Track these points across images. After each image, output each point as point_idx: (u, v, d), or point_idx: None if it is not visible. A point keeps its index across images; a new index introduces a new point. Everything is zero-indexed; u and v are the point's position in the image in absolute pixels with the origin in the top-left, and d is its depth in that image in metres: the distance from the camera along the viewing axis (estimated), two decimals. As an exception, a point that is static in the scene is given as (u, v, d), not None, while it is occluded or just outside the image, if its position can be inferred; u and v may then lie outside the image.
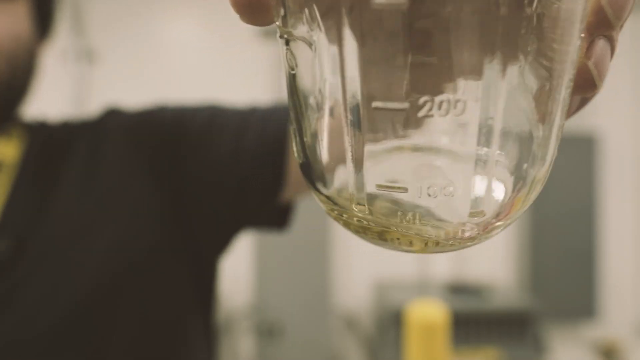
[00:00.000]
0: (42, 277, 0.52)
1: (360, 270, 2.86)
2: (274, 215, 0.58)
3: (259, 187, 0.55)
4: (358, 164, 0.18)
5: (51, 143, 0.59)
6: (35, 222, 0.54)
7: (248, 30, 2.76)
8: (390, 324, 2.34)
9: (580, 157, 2.85)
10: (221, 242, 0.60)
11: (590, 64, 0.19)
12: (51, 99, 2.41)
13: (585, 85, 0.20)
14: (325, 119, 0.18)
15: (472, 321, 2.36)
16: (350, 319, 2.86)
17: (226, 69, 2.83)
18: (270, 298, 2.55)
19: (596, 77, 0.20)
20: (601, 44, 0.20)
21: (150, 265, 0.55)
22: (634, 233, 3.00)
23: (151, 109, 0.60)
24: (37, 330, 0.50)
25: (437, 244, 0.19)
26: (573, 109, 0.22)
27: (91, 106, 2.73)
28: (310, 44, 0.18)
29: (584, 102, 0.23)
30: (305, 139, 0.20)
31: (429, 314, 1.76)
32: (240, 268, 2.60)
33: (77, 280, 0.52)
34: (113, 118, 0.60)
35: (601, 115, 2.90)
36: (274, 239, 2.44)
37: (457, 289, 2.56)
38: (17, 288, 0.51)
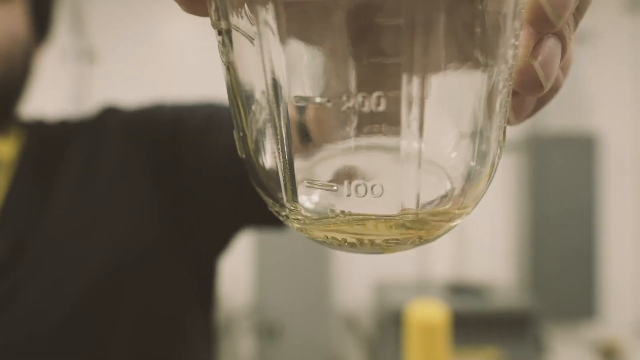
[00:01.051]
0: (42, 276, 0.51)
1: (360, 270, 2.86)
2: (274, 215, 0.58)
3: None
4: (289, 162, 0.18)
5: (49, 141, 0.59)
6: (34, 221, 0.54)
7: (248, 30, 2.76)
8: (390, 324, 2.34)
9: (580, 157, 2.85)
10: (221, 241, 0.60)
11: (536, 63, 0.19)
12: (51, 98, 2.41)
13: (532, 85, 0.19)
14: (261, 116, 0.18)
15: (472, 321, 2.36)
16: (350, 319, 2.86)
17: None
18: (270, 298, 2.55)
19: (542, 77, 0.19)
20: (549, 43, 0.19)
21: (150, 264, 0.55)
22: (634, 233, 3.00)
23: (149, 107, 0.60)
24: (37, 330, 0.50)
25: (372, 243, 0.19)
26: (528, 110, 0.22)
27: (91, 106, 2.73)
28: (251, 39, 0.17)
29: (541, 103, 0.22)
30: (242, 134, 0.19)
31: (429, 314, 1.76)
32: (240, 268, 2.60)
33: (77, 279, 0.52)
34: (111, 116, 0.60)
35: (601, 115, 2.90)
36: (274, 239, 2.44)
37: (457, 289, 2.56)
38: (17, 287, 0.51)
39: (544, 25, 0.18)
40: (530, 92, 0.20)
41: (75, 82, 2.76)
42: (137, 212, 0.56)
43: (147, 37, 2.88)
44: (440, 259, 2.80)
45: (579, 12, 0.20)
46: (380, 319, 2.56)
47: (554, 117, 2.85)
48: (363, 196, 0.17)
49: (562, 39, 0.19)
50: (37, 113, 0.65)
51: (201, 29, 2.96)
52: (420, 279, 2.68)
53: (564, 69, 0.21)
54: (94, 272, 0.52)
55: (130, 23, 2.87)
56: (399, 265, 2.81)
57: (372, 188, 0.17)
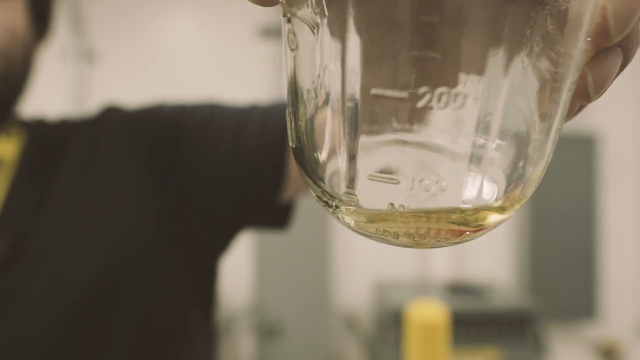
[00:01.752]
0: (42, 275, 0.51)
1: (360, 270, 2.86)
2: (274, 215, 0.58)
3: (258, 186, 0.55)
4: (351, 153, 0.18)
5: (49, 141, 0.59)
6: (34, 220, 0.53)
7: (248, 30, 2.76)
8: (390, 324, 2.34)
9: (580, 157, 2.85)
10: (221, 242, 0.60)
11: (589, 73, 0.19)
12: (51, 98, 2.41)
13: (580, 94, 0.19)
14: (322, 105, 0.18)
15: (472, 321, 2.36)
16: (350, 319, 2.86)
17: (226, 69, 2.83)
18: (270, 298, 2.55)
19: (591, 89, 0.19)
20: (609, 56, 0.19)
21: (150, 264, 0.55)
22: (634, 233, 3.00)
23: (150, 107, 0.60)
24: (38, 329, 0.50)
25: (425, 237, 0.19)
26: (572, 112, 0.22)
27: (91, 106, 2.73)
28: (313, 28, 0.18)
29: (582, 107, 0.22)
30: (299, 123, 0.19)
31: (429, 314, 1.76)
32: (240, 268, 2.60)
33: (77, 278, 0.52)
34: (111, 115, 0.60)
35: (601, 115, 2.90)
36: (274, 239, 2.44)
37: (457, 289, 2.56)
38: (17, 287, 0.51)
39: (601, 38, 0.18)
40: (579, 99, 0.20)
41: (75, 82, 2.76)
42: (137, 211, 0.56)
43: (147, 37, 2.88)
44: (440, 259, 2.80)
45: None
46: (380, 319, 2.56)
47: (554, 117, 2.85)
48: (425, 192, 0.17)
49: (625, 51, 0.19)
50: (37, 113, 0.65)
51: (201, 29, 2.97)
52: (420, 279, 2.68)
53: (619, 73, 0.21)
54: (94, 272, 0.52)
55: (130, 23, 2.87)
56: (399, 265, 2.81)
57: (434, 184, 0.17)
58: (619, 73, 0.20)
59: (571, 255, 2.82)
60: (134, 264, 0.54)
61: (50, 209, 0.54)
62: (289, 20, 0.18)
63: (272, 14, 2.73)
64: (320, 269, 2.57)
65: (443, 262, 2.81)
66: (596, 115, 2.90)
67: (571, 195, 2.83)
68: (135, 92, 1.90)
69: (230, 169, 0.55)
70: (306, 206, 0.87)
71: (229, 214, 0.57)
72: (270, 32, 2.70)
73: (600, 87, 0.19)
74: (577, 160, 2.85)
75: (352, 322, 2.86)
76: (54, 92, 2.56)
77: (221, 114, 0.57)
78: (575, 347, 2.94)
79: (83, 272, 0.52)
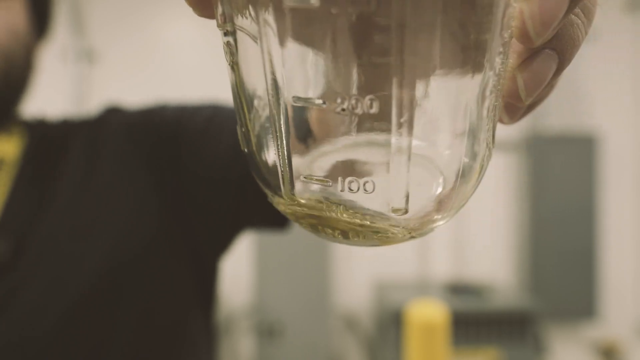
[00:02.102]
0: (43, 275, 0.51)
1: (360, 270, 2.86)
2: (275, 215, 0.58)
3: (258, 186, 0.55)
4: (287, 158, 0.19)
5: (51, 141, 0.59)
6: (34, 220, 0.54)
7: (248, 30, 2.76)
8: (390, 324, 2.34)
9: (580, 157, 2.85)
10: (221, 242, 0.60)
11: (519, 76, 0.19)
12: (51, 98, 2.41)
13: (513, 96, 0.19)
14: (259, 113, 0.19)
15: (472, 321, 2.36)
16: (350, 319, 2.86)
17: (226, 69, 2.82)
18: (270, 298, 2.55)
19: (521, 90, 0.19)
20: (540, 58, 0.19)
21: (150, 264, 0.55)
22: (634, 233, 3.00)
23: (151, 107, 0.60)
24: (38, 329, 0.50)
25: (364, 237, 0.20)
26: (521, 111, 0.22)
27: (91, 106, 2.73)
28: (253, 38, 0.18)
29: (532, 106, 0.22)
30: (244, 130, 0.20)
31: (429, 314, 1.76)
32: (240, 268, 2.60)
33: (78, 278, 0.52)
34: (113, 116, 0.60)
35: (601, 115, 2.90)
36: (274, 239, 2.44)
37: (457, 289, 2.56)
38: (18, 287, 0.51)
39: (524, 41, 0.18)
40: (512, 100, 0.20)
41: (75, 82, 2.76)
42: (137, 212, 0.56)
43: (147, 37, 2.88)
44: (440, 259, 2.80)
45: (587, 18, 0.20)
46: (380, 319, 2.56)
47: (554, 117, 2.85)
48: (356, 192, 0.18)
49: (560, 54, 0.19)
50: (38, 113, 0.65)
51: (201, 29, 2.97)
52: (420, 279, 2.68)
53: (556, 76, 0.21)
54: (94, 272, 0.52)
55: (130, 23, 2.87)
56: (399, 265, 2.81)
57: (364, 185, 0.18)
58: (556, 75, 0.20)
59: (571, 255, 2.82)
60: (134, 264, 0.54)
61: (50, 209, 0.54)
62: (226, 33, 0.19)
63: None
64: (320, 269, 2.57)
65: (443, 262, 2.82)
66: (596, 115, 2.90)
67: (571, 195, 2.83)
68: (135, 92, 1.91)
69: (231, 169, 0.55)
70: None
71: (229, 214, 0.57)
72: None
73: (532, 89, 0.19)
74: (577, 160, 2.85)
75: (352, 322, 2.86)
76: (54, 92, 2.56)
77: (222, 114, 0.57)
78: (575, 347, 2.94)
79: (83, 272, 0.52)
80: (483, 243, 2.88)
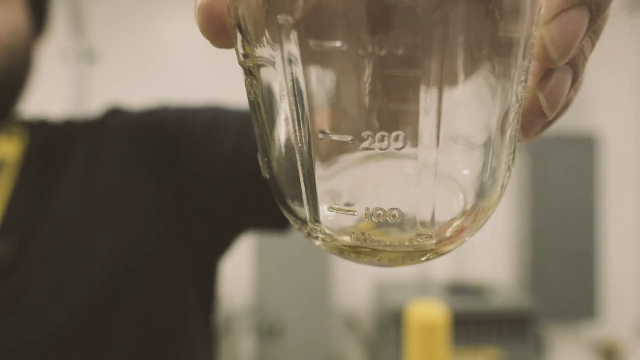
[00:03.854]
0: (46, 277, 0.51)
1: (360, 270, 2.86)
2: (276, 217, 0.58)
3: (260, 188, 0.55)
4: (311, 188, 0.19)
5: (52, 141, 0.59)
6: (37, 222, 0.53)
7: (248, 30, 2.76)
8: (390, 324, 2.34)
9: (580, 157, 2.85)
10: (221, 243, 0.60)
11: (541, 95, 0.20)
12: (51, 98, 2.41)
13: (537, 114, 0.20)
14: (281, 142, 0.19)
15: (472, 321, 2.36)
16: (350, 319, 2.86)
17: (226, 69, 2.82)
18: (270, 298, 2.55)
19: (546, 109, 0.20)
20: (557, 75, 0.20)
21: (152, 265, 0.55)
22: (634, 233, 3.00)
23: (153, 109, 0.60)
24: (42, 331, 0.50)
25: (389, 259, 0.20)
26: (537, 129, 0.22)
27: (91, 106, 2.73)
28: (271, 65, 0.18)
29: (550, 123, 0.23)
30: (265, 158, 0.21)
31: (429, 314, 1.76)
32: (240, 268, 2.60)
33: (80, 279, 0.52)
34: (115, 117, 0.60)
35: (601, 115, 2.90)
36: (274, 239, 2.44)
37: (457, 289, 2.56)
38: (21, 288, 0.51)
39: (547, 63, 0.19)
40: (536, 119, 0.21)
41: (75, 82, 2.76)
42: (139, 213, 0.56)
43: (147, 37, 2.88)
44: (440, 259, 2.80)
45: (595, 34, 0.20)
46: (380, 319, 2.56)
47: (554, 117, 2.85)
48: (382, 220, 0.18)
49: (573, 67, 0.20)
50: (38, 113, 0.65)
51: (201, 29, 2.96)
52: (420, 279, 2.68)
53: (575, 90, 0.22)
54: (97, 273, 0.52)
55: (130, 23, 2.87)
56: (399, 265, 2.81)
57: (390, 213, 0.18)
58: (573, 87, 0.20)
59: (571, 255, 2.83)
60: (135, 264, 0.54)
61: (52, 210, 0.54)
62: (247, 67, 0.19)
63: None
64: (320, 269, 2.57)
65: (443, 262, 2.81)
66: (596, 116, 2.90)
67: (571, 195, 2.84)
68: (135, 92, 1.91)
69: (231, 169, 0.55)
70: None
71: (229, 215, 0.57)
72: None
73: (554, 105, 0.20)
74: (577, 160, 2.85)
75: (352, 322, 2.86)
76: (54, 92, 2.56)
77: (224, 116, 0.57)
78: (575, 347, 2.94)
79: (86, 274, 0.52)
80: (483, 243, 2.88)
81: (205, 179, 0.56)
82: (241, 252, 2.52)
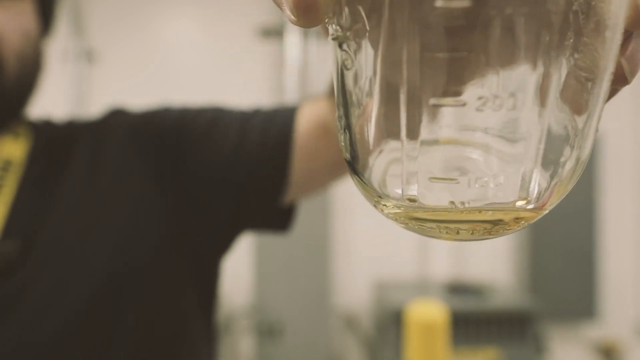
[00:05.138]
0: (49, 277, 0.52)
1: (360, 270, 2.86)
2: (276, 217, 0.58)
3: (260, 189, 0.55)
4: (409, 158, 0.19)
5: (56, 142, 0.59)
6: (40, 222, 0.54)
7: (248, 30, 2.76)
8: (390, 324, 2.34)
9: (580, 157, 2.85)
10: (222, 243, 0.60)
11: (623, 60, 0.20)
12: (51, 98, 2.41)
13: (618, 80, 0.20)
14: (377, 115, 0.19)
15: (472, 321, 2.36)
16: (350, 319, 2.86)
17: (226, 69, 2.83)
18: (270, 298, 2.55)
19: (628, 73, 0.20)
20: (635, 40, 0.20)
21: (154, 265, 0.55)
22: (634, 233, 3.00)
23: (155, 110, 0.61)
24: (45, 330, 0.50)
25: (483, 231, 0.20)
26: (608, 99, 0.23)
27: (91, 106, 2.73)
28: (359, 43, 0.18)
29: (614, 93, 0.23)
30: (353, 134, 0.20)
31: (429, 314, 1.76)
32: (240, 268, 2.60)
33: (83, 279, 0.52)
34: (117, 118, 0.61)
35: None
36: (274, 239, 2.44)
37: (457, 289, 2.56)
38: (24, 288, 0.51)
39: (635, 26, 0.19)
40: (617, 85, 0.21)
41: (75, 82, 2.76)
42: (141, 213, 0.56)
43: (147, 37, 2.88)
44: (440, 258, 2.80)
45: None
46: (380, 319, 2.56)
47: (554, 117, 2.85)
48: (482, 187, 0.19)
49: None
50: (38, 113, 0.65)
51: (201, 29, 2.97)
52: (420, 279, 2.68)
53: None
54: (99, 273, 0.52)
55: (130, 23, 2.87)
56: (399, 265, 2.81)
57: (491, 181, 0.18)
58: None
59: (571, 255, 2.82)
60: (137, 264, 0.54)
61: (56, 211, 0.54)
62: (340, 44, 0.19)
63: (272, 14, 2.73)
64: (320, 269, 2.57)
65: (443, 262, 2.81)
66: (596, 115, 2.90)
67: (571, 195, 2.80)
68: (135, 93, 1.91)
69: (231, 169, 0.55)
70: (306, 206, 0.87)
71: (229, 215, 0.58)
72: (271, 32, 2.70)
73: (635, 69, 0.20)
74: (577, 160, 2.85)
75: (352, 322, 2.86)
76: (54, 92, 2.56)
77: (225, 117, 0.57)
78: (575, 347, 2.94)
79: (88, 273, 0.52)
80: (483, 243, 2.88)
81: (206, 179, 0.56)
82: (241, 252, 2.52)
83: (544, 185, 0.19)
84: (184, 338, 0.57)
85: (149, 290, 0.55)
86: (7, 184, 0.55)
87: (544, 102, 0.18)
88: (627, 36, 0.20)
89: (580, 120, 0.19)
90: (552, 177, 0.19)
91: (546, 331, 2.54)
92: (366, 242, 2.80)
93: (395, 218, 0.21)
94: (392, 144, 0.19)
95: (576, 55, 0.18)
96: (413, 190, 0.19)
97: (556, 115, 0.18)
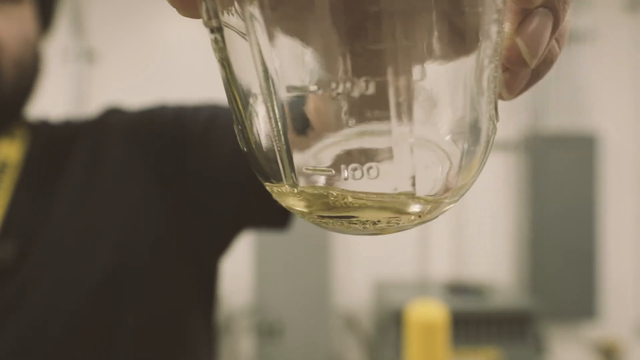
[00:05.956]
0: (48, 278, 0.52)
1: (360, 270, 2.86)
2: (275, 215, 0.58)
3: (260, 186, 0.55)
4: (287, 151, 0.18)
5: (53, 142, 0.59)
6: (39, 223, 0.54)
7: (248, 30, 2.76)
8: (390, 324, 2.34)
9: (580, 156, 2.85)
10: (222, 242, 0.60)
11: (519, 40, 0.19)
12: (51, 98, 2.41)
13: (517, 62, 0.19)
14: (255, 108, 0.19)
15: (472, 321, 2.36)
16: (350, 319, 2.86)
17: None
18: (270, 298, 2.55)
19: (526, 54, 0.19)
20: (536, 19, 0.19)
21: (153, 265, 0.55)
22: (634, 233, 3.00)
23: (152, 108, 0.60)
24: (45, 331, 0.50)
25: (373, 223, 0.19)
26: (521, 84, 0.21)
27: (91, 106, 2.73)
28: (240, 34, 0.18)
29: (536, 77, 0.22)
30: (240, 127, 0.20)
31: (429, 314, 1.76)
32: (240, 268, 2.60)
33: (81, 280, 0.52)
34: (114, 117, 0.60)
35: (601, 115, 2.90)
36: (274, 239, 2.44)
37: (457, 289, 2.56)
38: (23, 290, 0.51)
39: (524, 1, 0.18)
40: (517, 68, 0.20)
41: (75, 82, 2.76)
42: (140, 213, 0.56)
43: (147, 37, 2.88)
44: (440, 258, 2.80)
45: None
46: (380, 318, 2.56)
47: (554, 116, 2.85)
48: (360, 179, 0.18)
49: (553, 11, 0.19)
50: (38, 113, 0.65)
51: (201, 29, 2.95)
52: (420, 279, 2.68)
53: (559, 39, 0.21)
54: (98, 273, 0.52)
55: (130, 23, 2.87)
56: (399, 265, 2.81)
57: (368, 171, 0.18)
58: (552, 35, 0.19)
59: (571, 255, 2.82)
60: (136, 264, 0.54)
61: (54, 211, 0.54)
62: (212, 30, 0.19)
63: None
64: (320, 269, 2.57)
65: (443, 262, 2.81)
66: (596, 115, 2.90)
67: (571, 195, 2.83)
68: (135, 92, 1.91)
69: (231, 169, 0.55)
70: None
71: (229, 214, 0.58)
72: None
73: (535, 51, 0.19)
74: (577, 160, 2.85)
75: (352, 322, 2.86)
76: (54, 92, 2.56)
77: (223, 115, 0.57)
78: (575, 347, 2.94)
79: (87, 274, 0.52)
80: (483, 243, 2.88)
81: (206, 178, 0.56)
82: (241, 252, 2.52)
83: (425, 178, 0.18)
84: (184, 338, 0.57)
85: (149, 290, 0.55)
86: (3, 186, 0.55)
87: (409, 83, 0.17)
88: (527, 14, 0.19)
89: (465, 108, 0.18)
90: (438, 169, 0.18)
91: (546, 331, 2.54)
92: (366, 242, 2.80)
93: (292, 208, 0.20)
94: (271, 137, 0.19)
95: (453, 38, 0.17)
96: (295, 183, 0.19)
97: (432, 99, 0.17)
